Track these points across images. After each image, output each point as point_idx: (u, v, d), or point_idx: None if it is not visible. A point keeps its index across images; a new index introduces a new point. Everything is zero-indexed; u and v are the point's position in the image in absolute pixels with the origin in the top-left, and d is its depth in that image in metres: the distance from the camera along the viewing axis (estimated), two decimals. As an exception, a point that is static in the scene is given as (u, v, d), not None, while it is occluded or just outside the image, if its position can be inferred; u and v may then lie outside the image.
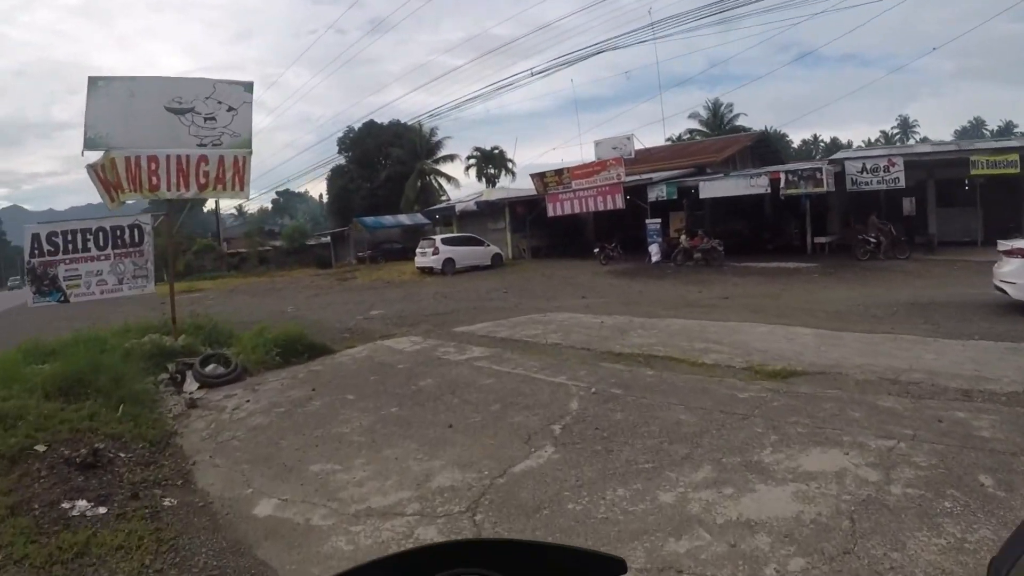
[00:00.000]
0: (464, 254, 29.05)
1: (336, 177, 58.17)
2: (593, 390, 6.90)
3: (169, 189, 10.38)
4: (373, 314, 16.36)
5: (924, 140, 54.74)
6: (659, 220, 26.16)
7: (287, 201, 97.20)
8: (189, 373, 9.01)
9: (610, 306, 14.70)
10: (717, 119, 57.36)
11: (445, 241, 29.69)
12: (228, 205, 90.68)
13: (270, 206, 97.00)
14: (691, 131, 59.18)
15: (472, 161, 57.81)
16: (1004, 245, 11.81)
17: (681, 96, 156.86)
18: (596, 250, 26.92)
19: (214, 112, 10.57)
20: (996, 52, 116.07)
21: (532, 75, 32.51)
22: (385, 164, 55.01)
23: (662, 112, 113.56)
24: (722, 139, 41.09)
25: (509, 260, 31.69)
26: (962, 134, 73.99)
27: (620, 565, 1.08)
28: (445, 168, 56.04)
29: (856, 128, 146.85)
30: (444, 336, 11.63)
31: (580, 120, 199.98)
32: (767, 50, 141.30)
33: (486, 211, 34.75)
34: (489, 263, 29.41)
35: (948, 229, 24.15)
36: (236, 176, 10.82)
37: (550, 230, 32.97)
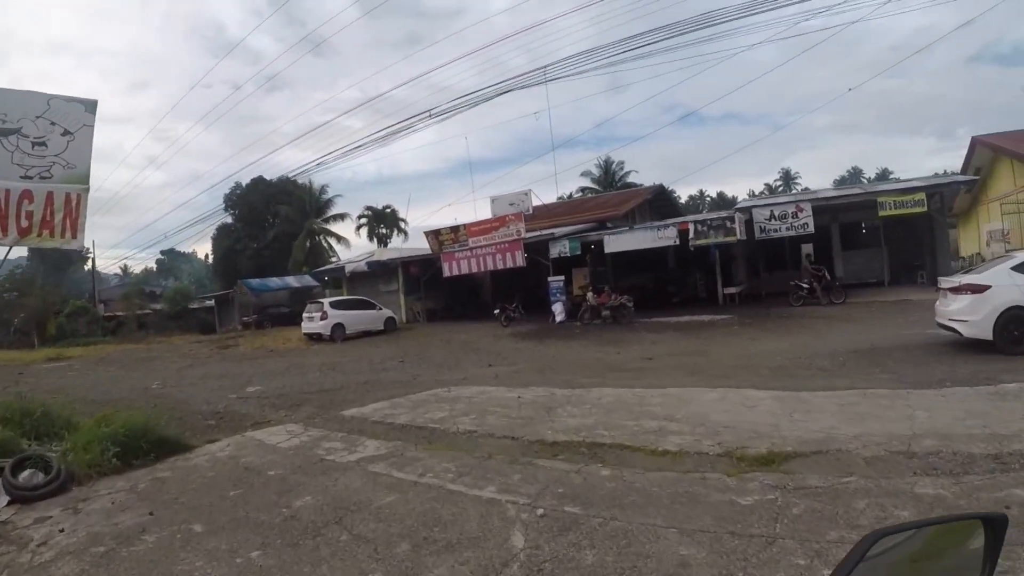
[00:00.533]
0: (355, 318, 26.73)
1: (222, 236, 55.13)
2: (540, 511, 4.83)
3: None
4: (250, 391, 13.90)
5: (806, 190, 56.54)
6: (562, 278, 24.95)
7: (172, 261, 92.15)
8: (-2, 481, 6.57)
9: (523, 375, 12.83)
10: (608, 176, 57.68)
11: (334, 305, 27.23)
12: (107, 264, 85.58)
13: (155, 266, 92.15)
14: (583, 189, 59.40)
15: (363, 220, 56.21)
16: (948, 282, 11.38)
17: (569, 156, 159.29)
18: (497, 311, 25.13)
19: (45, 136, 8.11)
20: (866, 106, 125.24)
21: (431, 117, 30.96)
22: (273, 223, 52.48)
23: (555, 168, 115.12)
24: (621, 193, 40.80)
25: (403, 324, 29.84)
26: (841, 182, 77.64)
27: None
28: (335, 227, 54.22)
29: (740, 182, 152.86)
30: (330, 423, 9.35)
31: (471, 182, 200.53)
32: (651, 111, 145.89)
33: (378, 272, 32.81)
34: (382, 328, 27.32)
35: (853, 271, 24.45)
36: (67, 219, 8.22)
37: (446, 291, 31.47)
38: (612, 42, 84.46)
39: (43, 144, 8.12)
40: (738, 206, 26.91)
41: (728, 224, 21.41)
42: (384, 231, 55.87)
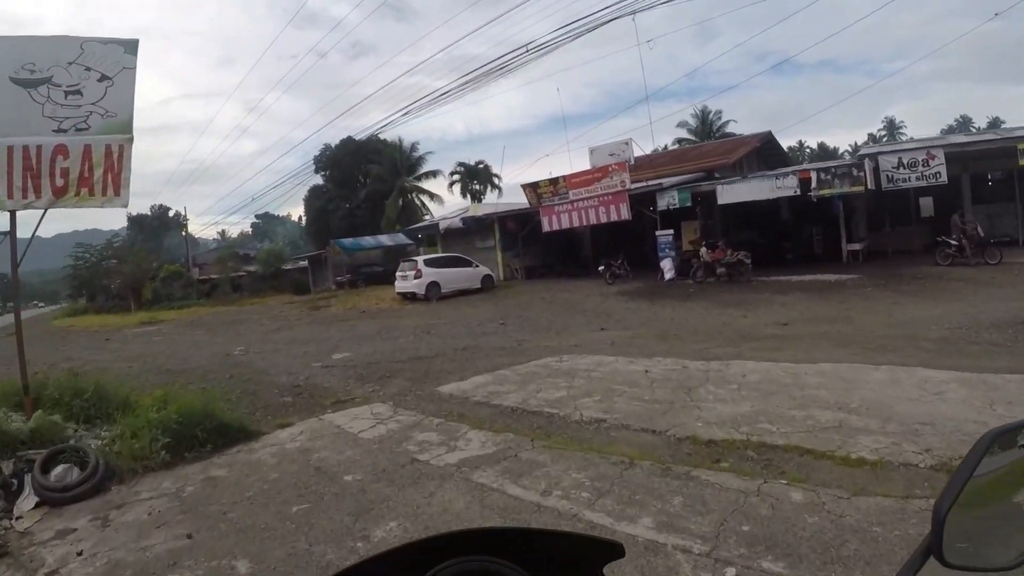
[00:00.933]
0: (450, 277, 25.81)
1: (313, 198, 55.86)
2: (731, 571, 3.32)
3: (11, 196, 6.93)
4: (336, 358, 13.09)
5: (911, 140, 52.35)
6: (671, 231, 23.17)
7: (267, 224, 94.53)
8: (28, 478, 5.76)
9: (643, 342, 11.52)
10: (706, 127, 55.01)
11: (428, 263, 26.31)
12: (204, 230, 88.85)
13: (251, 230, 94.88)
14: (679, 140, 56.65)
15: (456, 177, 55.45)
16: None
17: (661, 109, 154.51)
18: (601, 268, 23.65)
19: (80, 83, 7.19)
20: (970, 52, 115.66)
21: (527, 52, 29.38)
22: (364, 182, 52.38)
23: (649, 117, 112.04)
24: (728, 141, 38.31)
25: (501, 282, 28.62)
26: (949, 132, 71.89)
27: (618, 549, 1.10)
28: (427, 185, 53.54)
29: (838, 133, 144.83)
30: (424, 402, 8.23)
31: (565, 135, 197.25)
32: (744, 60, 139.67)
33: (473, 228, 31.59)
34: (479, 286, 26.31)
35: (982, 227, 21.43)
36: (108, 174, 7.26)
37: (544, 247, 30.11)
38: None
39: (78, 92, 7.21)
40: (863, 152, 24.42)
41: (855, 172, 19.28)
42: (477, 187, 54.97)
